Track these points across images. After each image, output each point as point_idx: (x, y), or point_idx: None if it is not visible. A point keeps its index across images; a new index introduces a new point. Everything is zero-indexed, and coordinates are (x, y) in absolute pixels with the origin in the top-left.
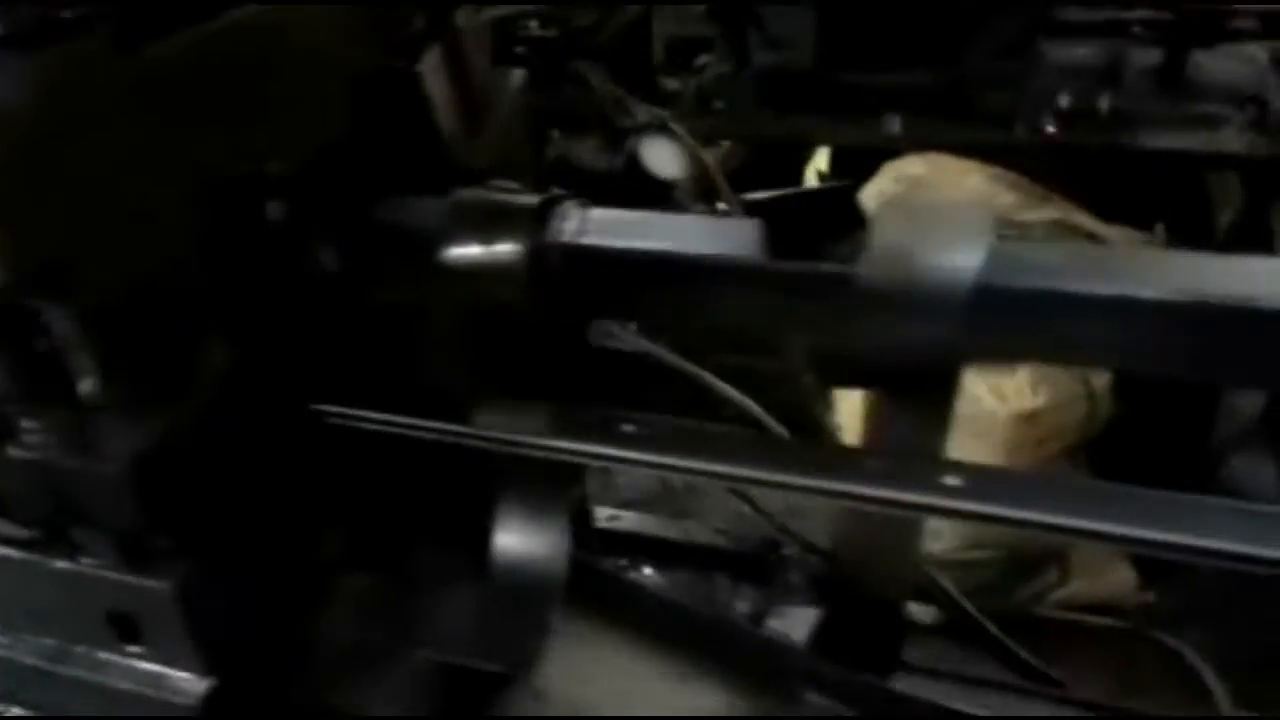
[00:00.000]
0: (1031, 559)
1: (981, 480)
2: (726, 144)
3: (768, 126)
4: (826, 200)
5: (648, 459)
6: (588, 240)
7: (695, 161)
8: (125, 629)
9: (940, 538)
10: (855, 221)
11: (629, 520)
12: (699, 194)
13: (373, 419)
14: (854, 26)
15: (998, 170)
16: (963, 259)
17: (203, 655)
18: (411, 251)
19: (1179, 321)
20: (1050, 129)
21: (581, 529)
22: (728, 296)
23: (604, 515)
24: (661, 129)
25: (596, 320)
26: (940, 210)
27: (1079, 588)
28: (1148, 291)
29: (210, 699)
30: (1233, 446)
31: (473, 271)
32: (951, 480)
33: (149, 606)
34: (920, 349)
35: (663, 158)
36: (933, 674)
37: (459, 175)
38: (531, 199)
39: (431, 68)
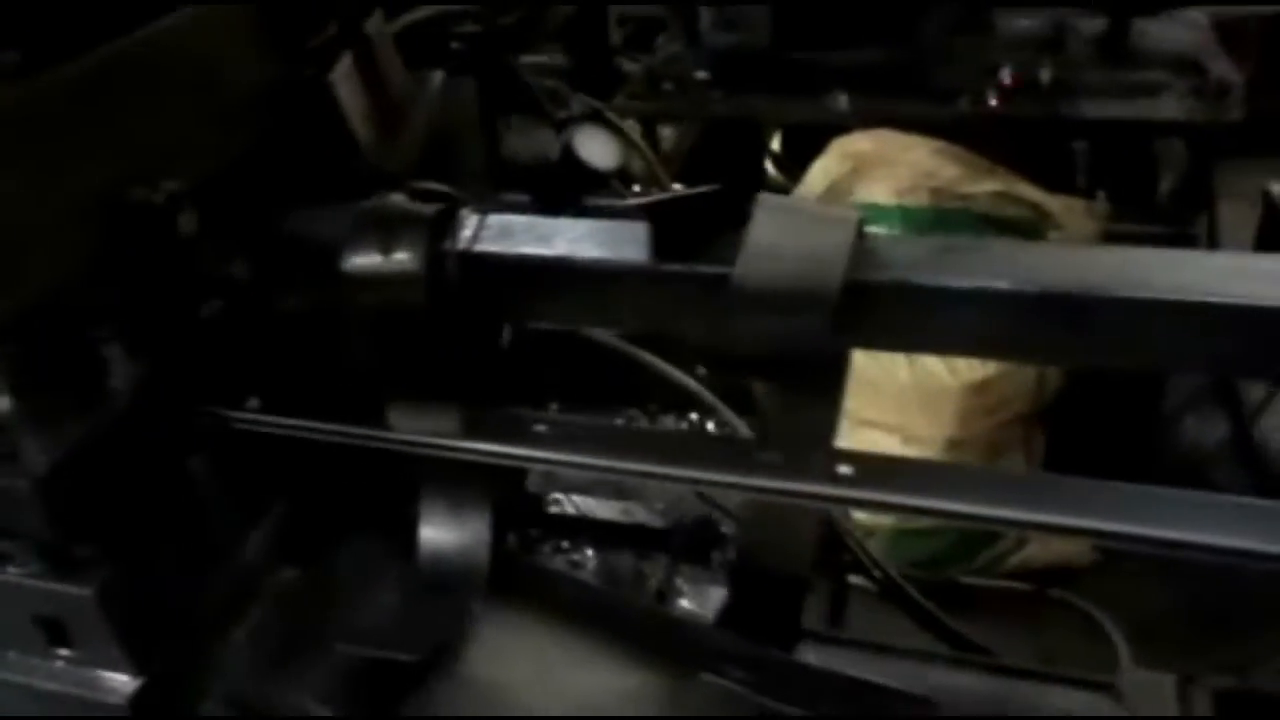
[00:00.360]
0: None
1: (873, 469)
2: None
3: (717, 106)
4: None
5: (554, 457)
6: (482, 247)
7: (634, 150)
8: (54, 633)
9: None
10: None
11: (573, 504)
12: (652, 179)
13: (284, 424)
14: (805, 5)
15: (942, 144)
16: (831, 256)
17: (129, 655)
18: (317, 261)
19: (1031, 310)
20: (993, 102)
21: (528, 515)
22: (616, 298)
23: (550, 499)
24: (597, 119)
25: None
26: (810, 209)
27: (1035, 551)
28: (1001, 283)
29: (139, 697)
30: (1185, 407)
31: (374, 280)
32: (845, 470)
33: (74, 611)
34: (796, 342)
35: (596, 149)
36: (860, 645)
37: (375, 181)
38: (430, 206)
39: (343, 75)
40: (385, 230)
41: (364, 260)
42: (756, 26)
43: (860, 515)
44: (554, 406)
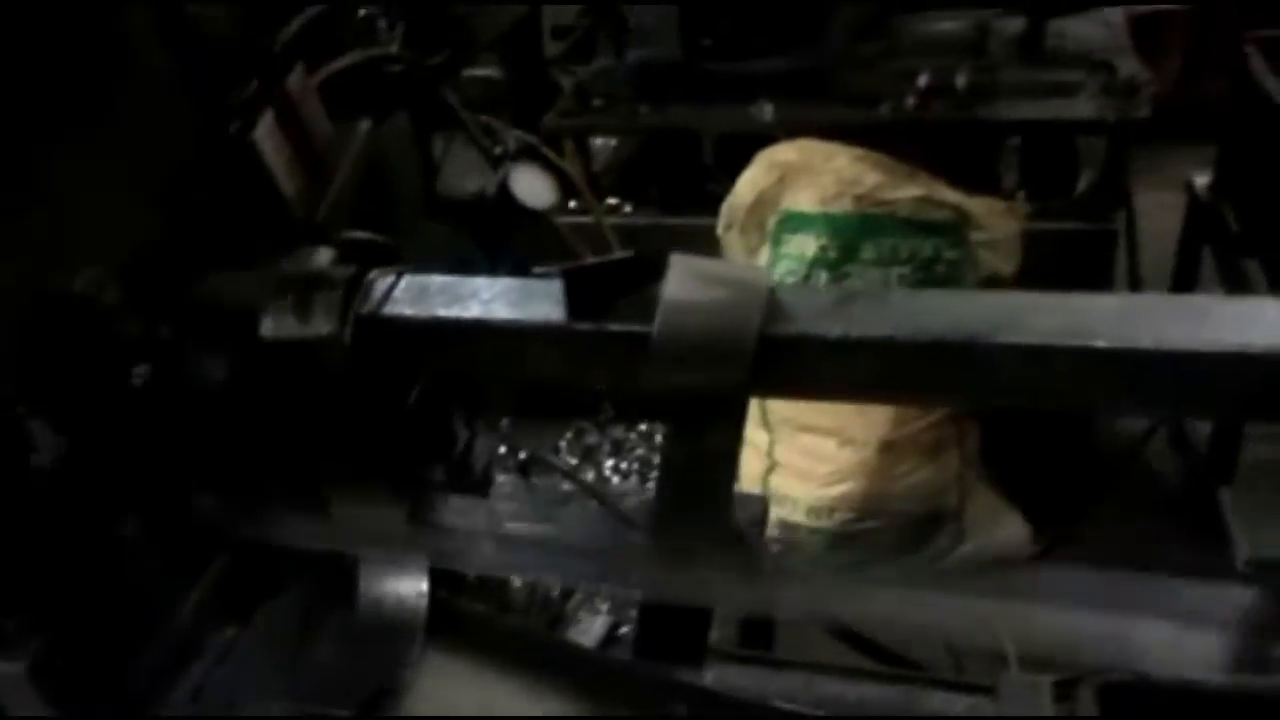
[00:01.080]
0: (925, 522)
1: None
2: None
3: (646, 119)
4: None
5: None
6: (398, 310)
7: (568, 180)
8: None
9: (833, 513)
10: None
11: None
12: (590, 200)
13: (235, 525)
14: (720, 16)
15: (864, 151)
16: (746, 312)
17: None
18: (238, 325)
19: (925, 357)
20: (912, 106)
21: None
22: (531, 357)
23: None
24: (533, 154)
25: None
26: (722, 268)
27: (976, 545)
28: (899, 332)
29: None
30: None
31: (293, 346)
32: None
33: (6, 687)
34: (709, 394)
35: (532, 186)
36: (756, 660)
37: (304, 234)
38: (346, 270)
39: (266, 133)
40: (301, 295)
41: (281, 327)
42: (668, 40)
43: (796, 518)
44: (504, 422)
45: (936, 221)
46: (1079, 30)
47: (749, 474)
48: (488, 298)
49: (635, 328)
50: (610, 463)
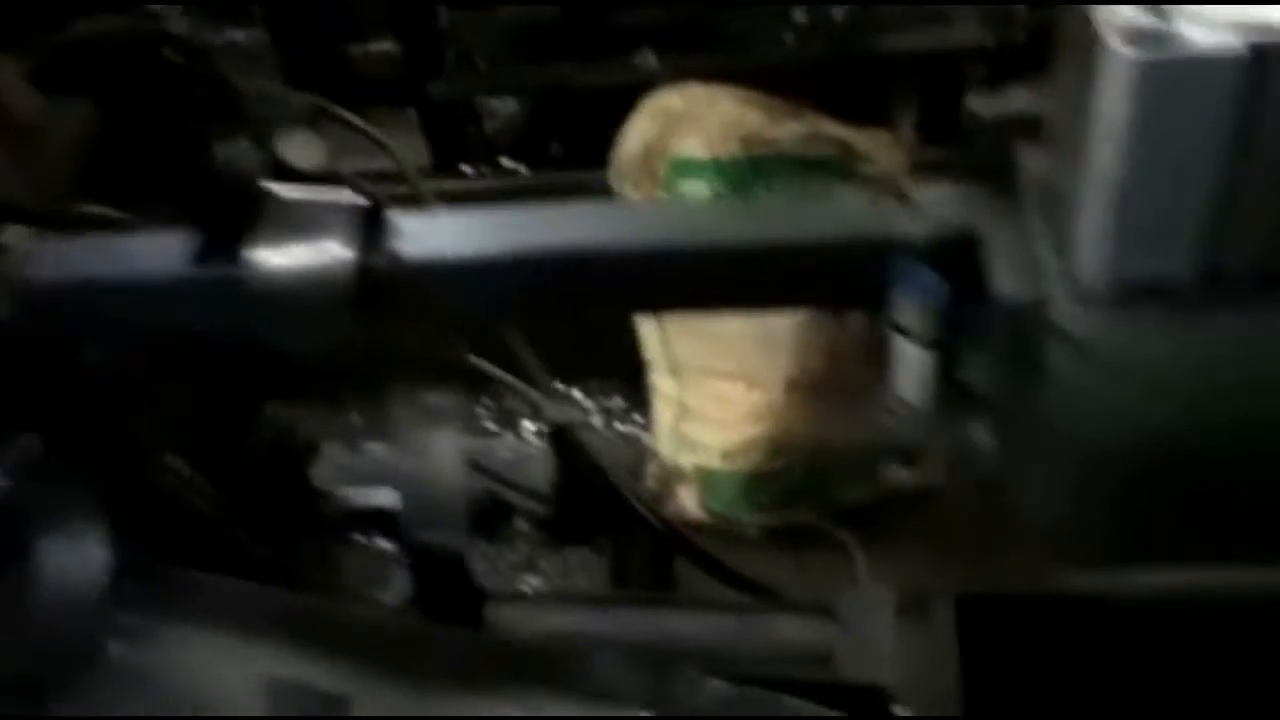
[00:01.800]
0: (840, 462)
1: None
2: None
3: (528, 78)
4: None
5: None
6: (40, 275)
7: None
8: None
9: (747, 455)
10: None
11: (366, 496)
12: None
13: None
14: None
15: (747, 93)
16: (339, 244)
17: None
18: None
19: (537, 271)
20: (791, 44)
21: (322, 511)
22: (162, 310)
23: (348, 494)
24: (321, 114)
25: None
26: (314, 199)
27: (896, 475)
28: (505, 248)
29: None
30: None
31: None
32: None
33: None
34: (328, 339)
35: (301, 151)
36: (593, 599)
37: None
38: None
39: None
40: None
41: None
42: None
43: (711, 463)
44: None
45: (824, 158)
46: None
47: (661, 423)
48: (125, 255)
49: (234, 273)
50: (533, 427)
